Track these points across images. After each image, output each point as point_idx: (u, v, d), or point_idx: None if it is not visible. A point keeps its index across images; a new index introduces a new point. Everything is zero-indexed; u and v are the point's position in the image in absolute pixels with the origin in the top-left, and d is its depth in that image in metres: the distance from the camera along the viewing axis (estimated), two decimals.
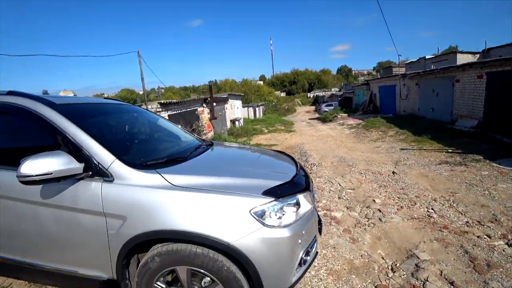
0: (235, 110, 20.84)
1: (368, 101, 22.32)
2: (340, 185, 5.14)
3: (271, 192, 1.69)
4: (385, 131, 11.50)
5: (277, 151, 3.08)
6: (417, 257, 2.72)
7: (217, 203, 1.58)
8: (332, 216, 3.75)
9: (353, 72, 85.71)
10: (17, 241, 1.98)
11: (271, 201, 1.64)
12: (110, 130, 2.42)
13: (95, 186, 1.68)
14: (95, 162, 1.70)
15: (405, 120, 13.34)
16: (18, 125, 2.04)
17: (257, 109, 29.19)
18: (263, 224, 1.58)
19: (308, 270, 2.38)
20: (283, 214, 1.67)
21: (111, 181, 1.67)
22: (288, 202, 1.72)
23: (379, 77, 25.82)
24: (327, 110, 28.58)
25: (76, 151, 1.71)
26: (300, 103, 60.81)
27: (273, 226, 1.60)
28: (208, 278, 1.66)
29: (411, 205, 4.02)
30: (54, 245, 1.87)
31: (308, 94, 68.89)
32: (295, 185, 1.90)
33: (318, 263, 2.68)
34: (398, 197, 4.35)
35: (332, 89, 61.24)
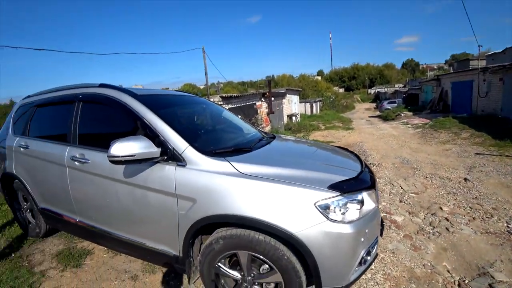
0: (292, 105, 20.76)
1: (438, 98, 20.09)
2: (402, 188, 4.83)
3: (336, 187, 1.68)
4: (457, 133, 10.28)
5: (340, 147, 3.03)
6: (492, 277, 2.44)
7: (282, 193, 1.64)
8: (392, 220, 3.57)
9: (421, 66, 77.35)
10: (101, 213, 2.34)
11: (336, 196, 1.64)
12: (182, 119, 2.66)
13: (169, 169, 1.88)
14: (170, 147, 1.90)
15: (483, 121, 11.43)
16: (107, 112, 2.39)
17: (314, 104, 28.57)
18: (327, 218, 1.59)
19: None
20: (347, 210, 1.66)
21: (184, 166, 1.85)
22: (353, 199, 1.70)
23: (452, 71, 23.03)
24: (389, 107, 26.55)
25: (154, 137, 1.93)
26: (359, 99, 57.63)
27: (336, 221, 1.60)
28: (267, 266, 1.76)
29: (487, 217, 3.59)
30: (129, 219, 2.15)
31: (369, 90, 64.77)
32: (361, 182, 1.87)
33: (375, 266, 2.60)
34: (470, 207, 3.92)
35: (396, 85, 56.44)
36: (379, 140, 10.70)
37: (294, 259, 1.65)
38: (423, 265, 2.65)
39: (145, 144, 1.80)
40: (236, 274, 1.86)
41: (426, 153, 7.80)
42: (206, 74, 12.58)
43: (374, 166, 6.42)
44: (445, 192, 4.56)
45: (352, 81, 72.62)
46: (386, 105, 29.12)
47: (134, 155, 1.74)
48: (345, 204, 1.66)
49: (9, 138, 3.18)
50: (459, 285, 2.39)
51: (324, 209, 1.61)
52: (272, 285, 1.82)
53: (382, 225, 2.09)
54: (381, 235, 2.07)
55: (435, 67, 69.11)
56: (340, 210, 1.64)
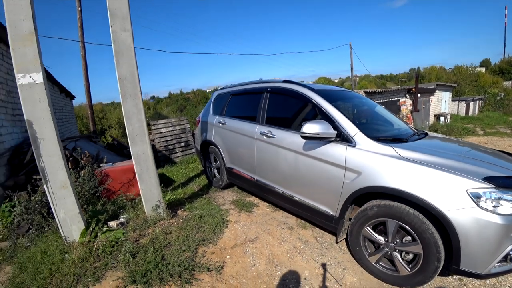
0: (442, 103, 18.04)
1: None
2: None
3: (492, 179, 1.87)
4: None
5: (501, 150, 2.91)
6: None
7: (437, 177, 1.95)
8: None
9: None
10: (277, 175, 3.19)
11: (490, 187, 1.82)
12: (349, 110, 3.26)
13: (341, 147, 2.47)
14: (343, 131, 2.50)
15: None
16: (290, 101, 3.21)
17: (471, 103, 23.49)
18: (477, 205, 1.80)
19: (509, 278, 2.35)
20: (500, 204, 1.81)
21: (354, 146, 2.41)
22: (508, 195, 1.82)
23: None
24: None
25: (330, 122, 2.55)
26: None
27: (486, 210, 1.79)
28: (409, 238, 2.13)
29: None
30: (301, 182, 2.87)
31: None
32: None
33: None
34: None
35: None
36: None
37: (437, 235, 1.96)
38: None
39: (327, 126, 2.45)
40: (381, 239, 2.32)
41: None
42: (352, 69, 12.79)
43: None
44: None
45: None
46: None
47: (319, 134, 2.43)
48: (499, 198, 1.82)
49: (210, 117, 4.60)
50: None
51: (476, 197, 1.82)
52: (411, 255, 2.18)
53: None
54: None
55: None
56: (491, 202, 1.81)
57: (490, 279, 2.50)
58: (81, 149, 4.33)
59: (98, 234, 2.87)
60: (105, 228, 2.95)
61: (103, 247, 2.68)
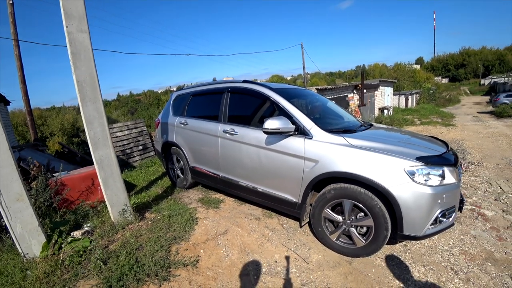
0: (385, 97, 19.85)
1: None
2: (501, 188, 4.70)
3: (422, 158, 2.29)
4: None
5: (431, 136, 3.45)
6: None
7: (381, 160, 2.32)
8: (481, 213, 3.74)
9: None
10: (242, 170, 3.36)
11: (421, 165, 2.24)
12: (304, 106, 3.54)
13: (299, 140, 2.74)
14: (301, 125, 2.76)
15: None
16: (250, 100, 3.39)
17: (409, 97, 26.26)
18: (412, 180, 2.21)
19: (441, 239, 2.80)
20: (429, 178, 2.25)
21: (310, 138, 2.69)
22: (435, 170, 2.27)
23: None
24: (507, 102, 22.28)
25: (289, 118, 2.79)
26: (468, 92, 49.32)
27: (419, 183, 2.21)
28: (362, 214, 2.48)
29: None
30: (265, 174, 3.09)
31: (482, 81, 54.42)
32: (443, 159, 2.41)
33: (452, 242, 3.00)
34: None
35: None
36: (485, 139, 9.65)
37: (384, 208, 2.34)
38: (505, 252, 2.89)
39: (286, 122, 2.69)
40: (339, 218, 2.64)
41: None
42: (304, 68, 13.43)
43: (473, 165, 6.15)
44: None
45: (460, 69, 62.06)
46: (503, 98, 24.48)
47: (279, 129, 2.66)
48: (428, 173, 2.25)
49: (171, 117, 4.59)
50: None
51: (411, 174, 2.23)
52: (365, 228, 2.54)
53: (462, 202, 2.55)
54: (460, 211, 2.54)
55: None
56: (423, 177, 2.23)
57: (428, 242, 3.00)
58: (32, 158, 4.02)
59: (63, 245, 2.76)
60: (69, 239, 2.85)
61: (70, 258, 2.60)
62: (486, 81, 53.00)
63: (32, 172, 4.01)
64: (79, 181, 3.93)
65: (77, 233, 2.98)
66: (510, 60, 57.79)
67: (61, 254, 2.66)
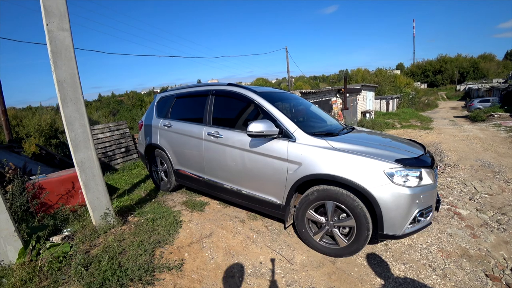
0: (367, 102, 20.40)
1: None
2: (475, 188, 4.94)
3: (400, 161, 2.38)
4: None
5: (410, 139, 3.57)
6: None
7: (362, 162, 2.39)
8: (457, 212, 3.91)
9: None
10: (226, 172, 3.36)
11: (400, 167, 2.33)
12: (288, 110, 3.58)
13: (283, 143, 2.77)
14: (284, 128, 2.79)
15: None
16: (234, 103, 3.39)
17: (390, 101, 27.13)
18: (392, 181, 2.29)
19: (420, 238, 2.90)
20: (408, 180, 2.33)
21: (294, 141, 2.73)
22: (413, 171, 2.36)
23: None
24: (480, 107, 23.49)
25: (273, 121, 2.82)
26: (444, 97, 51.53)
27: (398, 184, 2.29)
28: (345, 214, 2.54)
29: None
30: (249, 177, 3.10)
31: (458, 87, 57.12)
32: (420, 161, 2.51)
33: (430, 241, 3.13)
34: None
35: (494, 80, 48.52)
36: (460, 141, 10.09)
37: (365, 209, 2.40)
38: (479, 249, 3.05)
39: (270, 125, 2.72)
40: (322, 219, 2.69)
41: None
42: (288, 71, 13.55)
43: (449, 167, 6.42)
44: None
45: (438, 75, 64.90)
46: (476, 104, 25.76)
47: (263, 132, 2.68)
48: (407, 175, 2.34)
49: (154, 120, 4.52)
50: (511, 269, 2.74)
51: (390, 176, 2.31)
52: (347, 229, 2.60)
53: (438, 202, 2.67)
54: (436, 210, 2.65)
55: None
56: (401, 178, 2.32)
57: (407, 241, 3.11)
58: (7, 160, 3.85)
59: (41, 251, 2.66)
60: (48, 244, 2.75)
61: (49, 264, 2.51)
62: (461, 87, 55.59)
63: (8, 175, 3.84)
64: (58, 184, 3.79)
65: (56, 238, 2.88)
66: (483, 67, 61.26)
67: (39, 260, 2.56)
